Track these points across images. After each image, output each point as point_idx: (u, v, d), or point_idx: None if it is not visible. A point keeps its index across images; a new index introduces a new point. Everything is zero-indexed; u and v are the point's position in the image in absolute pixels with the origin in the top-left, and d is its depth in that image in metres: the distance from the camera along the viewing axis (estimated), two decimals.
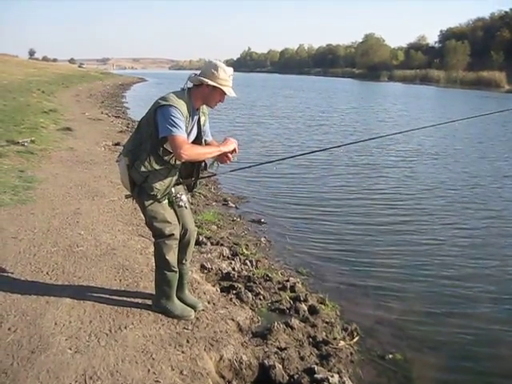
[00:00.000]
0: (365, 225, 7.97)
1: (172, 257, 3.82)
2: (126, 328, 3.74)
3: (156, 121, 3.48)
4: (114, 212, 6.69)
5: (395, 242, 7.23)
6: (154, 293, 4.09)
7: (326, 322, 4.65)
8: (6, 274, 4.48)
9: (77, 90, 35.09)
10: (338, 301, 5.25)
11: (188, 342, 3.69)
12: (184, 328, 3.88)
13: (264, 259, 6.19)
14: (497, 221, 8.41)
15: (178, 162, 3.66)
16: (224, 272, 5.40)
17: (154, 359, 3.39)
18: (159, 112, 3.47)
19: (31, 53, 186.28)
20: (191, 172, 3.91)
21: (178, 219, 3.86)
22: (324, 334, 4.42)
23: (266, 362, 3.68)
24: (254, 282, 5.20)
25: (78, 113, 19.43)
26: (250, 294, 4.81)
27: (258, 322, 4.36)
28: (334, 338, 4.36)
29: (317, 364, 3.82)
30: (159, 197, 3.68)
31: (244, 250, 6.26)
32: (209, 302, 4.42)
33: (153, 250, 3.95)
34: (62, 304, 3.99)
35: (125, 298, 4.21)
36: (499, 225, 8.17)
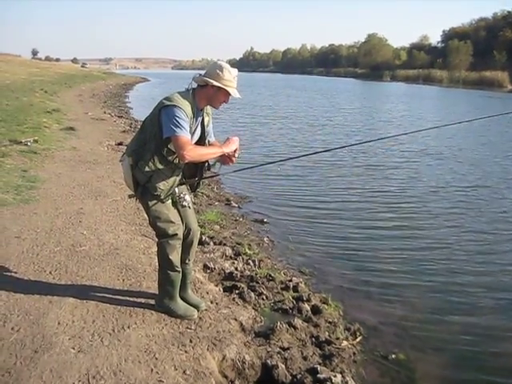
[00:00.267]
0: (368, 225, 7.96)
1: (175, 257, 3.82)
2: (129, 328, 3.74)
3: (160, 121, 3.48)
4: (117, 212, 6.70)
5: (398, 242, 7.21)
6: (156, 292, 4.09)
7: (329, 322, 4.64)
8: (9, 274, 4.49)
9: (80, 89, 35.13)
10: (340, 301, 5.24)
11: (191, 341, 3.69)
12: (187, 328, 3.88)
13: (267, 259, 6.18)
14: (502, 223, 8.33)
15: (181, 162, 3.66)
16: (227, 272, 5.40)
17: (157, 359, 3.40)
18: (163, 112, 3.47)
19: (34, 52, 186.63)
20: (194, 172, 3.91)
21: (182, 219, 3.87)
22: (327, 333, 4.42)
23: (268, 361, 3.68)
24: (257, 282, 5.20)
25: (80, 112, 19.45)
26: (252, 294, 4.81)
27: (261, 321, 4.36)
28: (337, 338, 4.35)
29: (320, 364, 3.82)
30: (163, 197, 3.68)
31: (247, 250, 6.25)
32: (211, 302, 4.42)
33: (156, 249, 3.95)
34: (65, 303, 4.00)
35: (128, 298, 4.21)
36: (504, 227, 8.09)
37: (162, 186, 3.65)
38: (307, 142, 16.54)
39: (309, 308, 4.80)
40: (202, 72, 3.72)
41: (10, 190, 7.08)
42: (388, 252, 6.80)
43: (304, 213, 8.58)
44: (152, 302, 4.12)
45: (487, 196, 10.13)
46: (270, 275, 5.46)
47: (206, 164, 3.92)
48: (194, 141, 3.73)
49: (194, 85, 3.66)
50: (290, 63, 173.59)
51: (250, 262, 5.87)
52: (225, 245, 6.31)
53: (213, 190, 9.62)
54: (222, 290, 4.92)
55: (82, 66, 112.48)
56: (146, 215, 3.90)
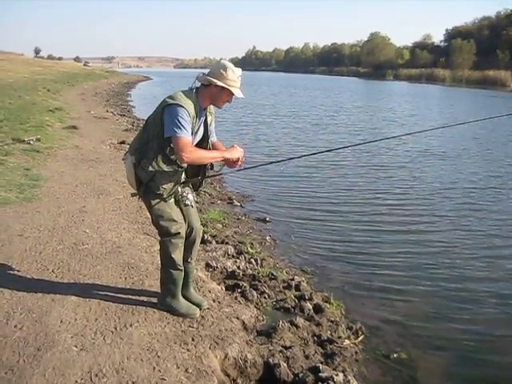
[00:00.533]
0: (371, 225, 7.95)
1: (178, 255, 3.82)
2: (131, 326, 3.75)
3: (163, 120, 3.48)
4: (120, 210, 6.71)
5: (401, 242, 7.21)
6: (159, 291, 4.10)
7: (331, 321, 4.65)
8: (12, 272, 4.50)
9: (82, 88, 35.16)
10: (342, 300, 5.25)
11: (193, 340, 3.70)
12: (189, 326, 3.89)
13: (269, 258, 6.19)
14: (506, 223, 8.27)
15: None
16: (229, 270, 5.41)
17: (159, 357, 3.40)
18: (166, 111, 3.47)
19: (37, 51, 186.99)
20: (197, 171, 3.90)
21: (184, 218, 3.87)
22: (329, 332, 4.42)
23: (270, 360, 3.68)
24: (259, 281, 5.21)
25: (83, 111, 19.47)
26: (254, 293, 4.81)
27: (263, 320, 4.36)
28: (339, 337, 4.36)
29: (322, 363, 3.83)
30: (165, 196, 3.68)
31: (249, 249, 6.26)
32: (214, 301, 4.43)
33: (158, 248, 3.96)
34: (67, 302, 4.01)
35: (130, 296, 4.21)
36: (509, 228, 8.04)
37: (165, 185, 3.65)
38: (310, 141, 16.53)
39: (311, 307, 4.80)
40: (206, 71, 3.72)
41: (13, 189, 7.09)
42: (390, 252, 6.80)
43: (306, 212, 8.58)
44: (154, 300, 4.13)
45: (492, 197, 10.05)
46: (272, 274, 5.47)
47: (210, 164, 3.92)
48: (197, 140, 3.74)
49: (198, 84, 3.65)
50: (293, 62, 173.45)
51: (252, 260, 5.88)
52: (227, 243, 6.31)
53: (215, 188, 9.63)
54: (224, 288, 4.92)
55: (85, 65, 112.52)
56: (148, 214, 3.91)
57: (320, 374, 3.59)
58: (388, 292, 5.61)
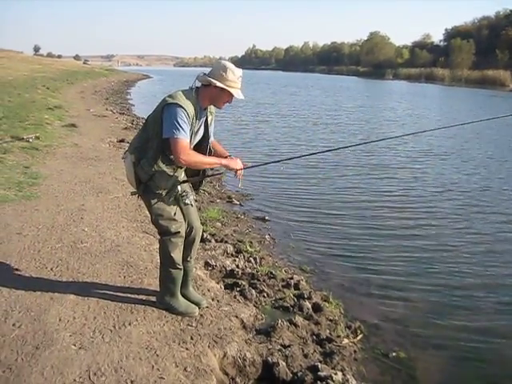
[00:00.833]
0: (370, 224, 7.95)
1: (177, 254, 3.82)
2: (130, 324, 3.74)
3: (162, 119, 3.48)
4: (119, 209, 6.70)
5: (400, 241, 7.21)
6: (158, 289, 4.09)
7: (330, 320, 4.65)
8: (10, 270, 4.49)
9: (81, 86, 35.12)
10: (341, 299, 5.25)
11: (192, 338, 3.70)
12: (188, 325, 3.89)
13: (268, 257, 6.19)
14: (506, 224, 8.24)
15: None
16: (228, 269, 5.41)
17: (158, 356, 3.40)
18: (166, 111, 3.46)
19: (36, 49, 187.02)
20: (197, 171, 3.90)
21: (184, 217, 3.86)
22: (328, 331, 4.42)
23: (269, 359, 3.68)
24: (258, 280, 5.20)
25: (82, 109, 19.45)
26: (253, 292, 4.81)
27: (262, 319, 4.36)
28: (338, 336, 4.36)
29: (320, 362, 3.83)
30: (164, 195, 3.68)
31: (248, 248, 6.26)
32: (213, 299, 4.42)
33: (157, 246, 3.95)
34: (66, 300, 4.00)
35: (129, 295, 4.21)
36: (509, 229, 8.00)
37: (164, 184, 3.65)
38: (311, 140, 16.50)
39: (310, 306, 4.80)
40: (206, 70, 3.71)
41: (12, 187, 7.08)
42: (390, 251, 6.80)
43: (305, 211, 8.58)
44: (153, 298, 4.13)
45: (492, 197, 10.03)
46: (271, 273, 5.47)
47: None
48: (197, 140, 3.74)
49: (198, 83, 3.64)
50: (292, 61, 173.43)
51: (251, 259, 5.88)
52: (226, 242, 6.31)
53: (214, 187, 9.63)
54: (223, 287, 4.92)
55: (84, 63, 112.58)
56: (147, 212, 3.90)
57: (319, 373, 3.59)
58: (387, 291, 5.61)
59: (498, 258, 6.72)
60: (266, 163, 5.79)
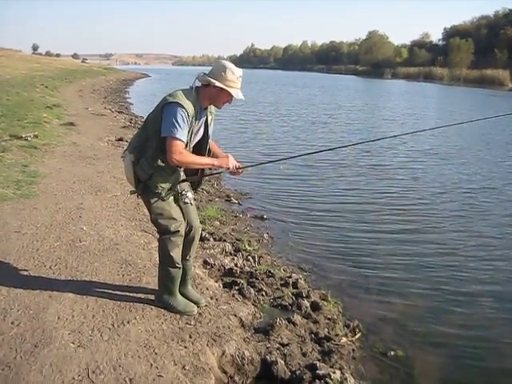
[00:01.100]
0: (369, 223, 7.96)
1: (176, 253, 3.82)
2: (128, 323, 3.75)
3: (162, 118, 3.48)
4: (117, 207, 6.70)
5: (399, 240, 7.22)
6: (156, 288, 4.10)
7: (328, 319, 4.65)
8: (9, 269, 4.49)
9: (80, 85, 35.07)
10: (340, 297, 5.26)
11: (190, 337, 3.70)
12: (186, 323, 3.89)
13: (266, 255, 6.19)
14: (506, 224, 8.21)
15: None
16: (226, 268, 5.41)
17: (156, 354, 3.40)
18: (166, 109, 3.46)
19: (34, 48, 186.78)
20: (196, 170, 3.90)
21: (184, 216, 3.86)
22: (326, 330, 4.43)
23: (268, 357, 3.69)
24: (257, 278, 5.20)
25: (81, 108, 19.43)
26: (252, 290, 4.82)
27: (261, 317, 4.37)
28: (336, 335, 4.36)
29: (319, 360, 3.83)
30: (163, 195, 3.68)
31: (246, 246, 6.26)
32: (211, 298, 4.43)
33: (155, 245, 3.96)
34: (64, 298, 4.00)
35: (128, 293, 4.21)
36: (509, 230, 7.96)
37: (163, 183, 3.65)
38: (310, 140, 16.47)
39: (308, 304, 4.80)
40: (205, 69, 3.71)
41: (11, 185, 7.08)
42: (388, 250, 6.81)
43: (304, 210, 8.59)
44: (152, 297, 4.13)
45: (492, 197, 9.97)
46: (269, 271, 5.47)
47: None
48: (197, 140, 3.74)
49: (198, 83, 3.64)
50: (291, 60, 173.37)
51: (249, 258, 5.88)
52: (225, 241, 6.31)
53: (213, 186, 9.63)
54: (221, 285, 4.93)
55: (83, 62, 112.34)
56: (146, 211, 3.91)
57: (317, 372, 3.59)
58: (385, 290, 5.62)
59: (497, 258, 6.71)
60: (261, 163, 5.81)
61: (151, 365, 3.27)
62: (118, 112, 19.93)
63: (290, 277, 5.48)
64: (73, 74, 45.23)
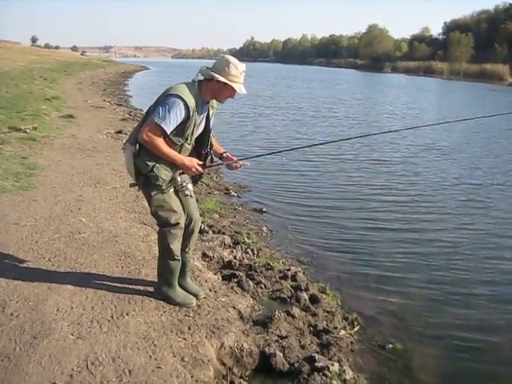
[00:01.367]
0: (368, 217, 7.96)
1: (176, 246, 3.83)
2: (127, 314, 3.75)
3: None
4: (116, 199, 6.70)
5: (398, 235, 7.22)
6: (155, 280, 4.10)
7: (327, 312, 4.66)
8: (8, 260, 4.49)
9: (79, 77, 34.97)
10: (338, 290, 5.27)
11: (189, 329, 3.71)
12: (185, 315, 3.90)
13: (265, 248, 6.20)
14: (506, 220, 8.14)
15: (184, 152, 3.66)
16: (225, 260, 5.41)
17: (155, 346, 3.41)
18: (164, 99, 3.46)
19: (33, 40, 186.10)
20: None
21: (184, 208, 3.86)
22: (325, 323, 4.44)
23: (266, 349, 3.70)
24: (256, 271, 5.21)
25: (80, 100, 19.39)
26: (251, 283, 4.82)
27: (259, 310, 4.38)
28: (335, 328, 4.38)
29: (317, 353, 3.84)
30: (164, 187, 3.67)
31: (245, 239, 6.27)
32: (210, 290, 4.43)
33: (155, 237, 3.96)
34: (64, 290, 4.01)
35: (127, 285, 4.22)
36: (508, 225, 7.93)
37: (164, 175, 3.64)
38: (310, 133, 16.43)
39: (307, 297, 4.81)
40: (204, 63, 3.70)
41: (10, 177, 7.07)
42: (387, 244, 6.81)
43: (303, 203, 8.59)
44: (151, 289, 4.13)
45: (493, 192, 9.92)
46: (268, 264, 5.48)
47: (210, 157, 3.90)
48: (198, 133, 3.74)
49: (201, 77, 3.63)
50: (291, 53, 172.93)
51: (248, 250, 5.88)
52: (224, 233, 6.32)
53: (212, 179, 9.62)
54: (220, 278, 4.93)
55: (82, 54, 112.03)
56: (145, 203, 3.91)
57: (316, 364, 3.61)
58: (384, 283, 5.62)
59: (496, 252, 6.71)
60: (269, 153, 5.78)
61: (150, 356, 3.28)
62: (117, 104, 19.90)
63: (289, 270, 5.48)
64: (72, 67, 45.08)
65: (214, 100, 3.79)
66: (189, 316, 3.90)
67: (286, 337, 3.96)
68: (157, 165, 3.60)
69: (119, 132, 12.50)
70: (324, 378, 3.49)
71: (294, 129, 17.40)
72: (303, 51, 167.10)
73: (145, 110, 3.91)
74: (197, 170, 3.69)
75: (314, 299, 4.83)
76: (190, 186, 3.91)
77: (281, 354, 3.68)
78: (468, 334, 4.69)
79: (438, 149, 14.68)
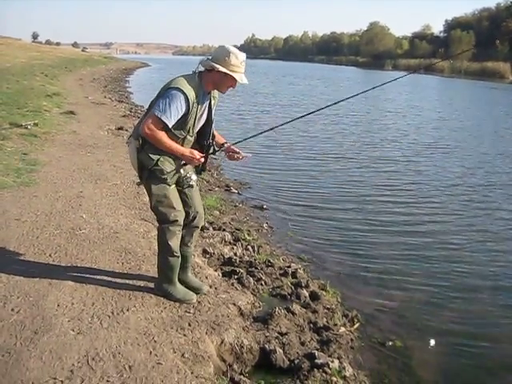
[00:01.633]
0: (369, 215, 7.96)
1: (175, 242, 3.82)
2: (128, 310, 3.76)
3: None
4: (117, 196, 6.69)
5: (399, 232, 7.22)
6: (156, 276, 4.10)
7: (327, 308, 4.67)
8: (9, 256, 4.50)
9: (80, 74, 34.94)
10: (339, 287, 5.28)
11: (190, 325, 3.71)
12: (186, 311, 3.90)
13: (266, 245, 6.20)
14: (508, 219, 8.12)
15: (186, 145, 3.66)
16: (226, 257, 5.42)
17: (155, 342, 3.41)
18: (166, 92, 3.47)
19: (34, 36, 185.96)
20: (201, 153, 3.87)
21: (189, 201, 3.88)
22: (325, 320, 4.44)
23: (266, 346, 3.70)
24: (256, 268, 5.21)
25: (81, 97, 19.39)
26: (251, 279, 4.82)
27: (260, 306, 4.39)
28: (335, 324, 4.39)
29: (317, 349, 3.85)
30: (169, 180, 3.67)
31: (246, 236, 6.27)
32: (211, 287, 4.43)
33: (155, 233, 3.96)
34: (64, 286, 4.01)
35: (127, 281, 4.22)
36: (509, 224, 7.90)
37: (169, 168, 3.64)
38: (311, 131, 16.47)
39: (307, 294, 4.82)
40: (210, 54, 3.68)
41: (11, 173, 7.07)
42: (388, 242, 6.82)
43: (304, 200, 8.59)
44: (151, 285, 4.14)
45: (495, 191, 9.89)
46: (268, 261, 5.48)
47: (212, 149, 3.89)
48: (201, 124, 3.73)
49: (201, 68, 3.62)
50: (292, 50, 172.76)
51: (249, 247, 5.89)
52: (224, 230, 6.32)
53: (212, 175, 9.62)
54: (220, 274, 4.93)
55: (83, 51, 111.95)
56: (146, 200, 3.92)
57: (316, 361, 3.61)
58: (384, 280, 5.63)
59: (497, 251, 6.71)
60: (266, 131, 5.74)
61: (150, 352, 3.28)
62: (118, 101, 19.89)
63: (290, 266, 5.49)
64: (73, 63, 45.05)
65: (216, 91, 3.78)
66: (189, 312, 3.90)
67: (286, 333, 3.97)
68: (161, 158, 3.60)
69: (120, 128, 12.49)
70: (324, 374, 3.50)
71: (295, 126, 17.30)
72: (304, 48, 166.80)
73: (146, 107, 3.91)
74: (198, 160, 3.68)
75: (314, 296, 4.83)
76: (193, 176, 3.90)
77: (281, 351, 3.68)
78: (468, 330, 4.71)
79: (441, 147, 14.64)
